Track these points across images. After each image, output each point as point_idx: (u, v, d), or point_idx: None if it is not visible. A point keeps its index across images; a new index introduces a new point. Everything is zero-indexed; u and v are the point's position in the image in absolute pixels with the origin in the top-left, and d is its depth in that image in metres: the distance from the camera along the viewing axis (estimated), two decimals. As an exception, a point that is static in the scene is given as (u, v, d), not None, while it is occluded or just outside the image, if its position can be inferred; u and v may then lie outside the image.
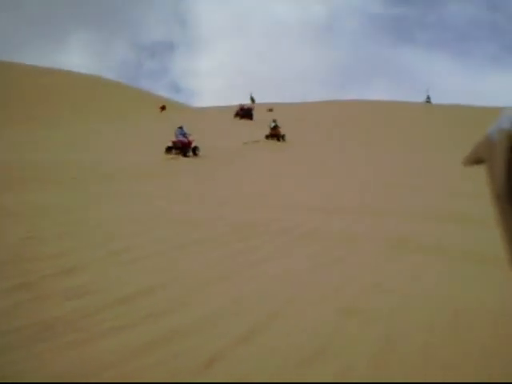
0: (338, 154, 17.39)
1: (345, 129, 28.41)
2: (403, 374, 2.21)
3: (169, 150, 15.03)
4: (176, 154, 14.98)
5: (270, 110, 35.35)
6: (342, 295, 3.26)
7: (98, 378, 2.15)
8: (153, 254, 4.23)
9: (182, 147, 15.11)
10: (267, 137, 21.92)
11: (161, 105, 38.30)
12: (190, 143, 15.38)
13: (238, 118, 32.76)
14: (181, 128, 15.69)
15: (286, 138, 21.84)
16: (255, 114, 32.62)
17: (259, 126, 25.19)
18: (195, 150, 15.42)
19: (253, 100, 40.49)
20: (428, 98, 45.80)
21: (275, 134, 21.96)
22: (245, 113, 33.17)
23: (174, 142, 15.22)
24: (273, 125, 22.38)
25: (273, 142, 21.26)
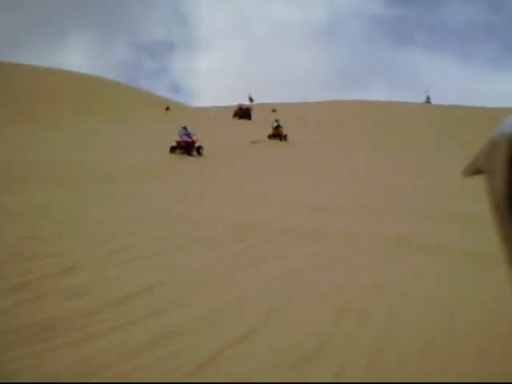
0: (339, 154, 17.38)
1: (345, 129, 28.41)
2: (402, 373, 2.20)
3: (173, 149, 15.35)
4: (180, 153, 15.25)
5: (274, 110, 35.42)
6: (342, 295, 3.26)
7: (97, 377, 2.15)
8: (152, 253, 4.22)
9: (186, 147, 15.43)
10: (270, 137, 21.99)
11: (165, 106, 38.50)
12: (193, 143, 15.69)
13: (236, 118, 32.74)
14: (185, 128, 16.05)
15: (288, 137, 21.88)
16: (256, 113, 32.62)
17: (262, 126, 25.22)
18: (199, 150, 15.74)
19: (251, 100, 40.46)
20: (428, 98, 45.92)
21: (277, 134, 22.03)
22: (243, 113, 33.17)
23: (178, 142, 15.53)
24: (275, 125, 22.48)
25: (275, 142, 21.29)
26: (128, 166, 11.89)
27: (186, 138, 15.66)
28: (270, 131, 22.31)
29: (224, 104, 41.39)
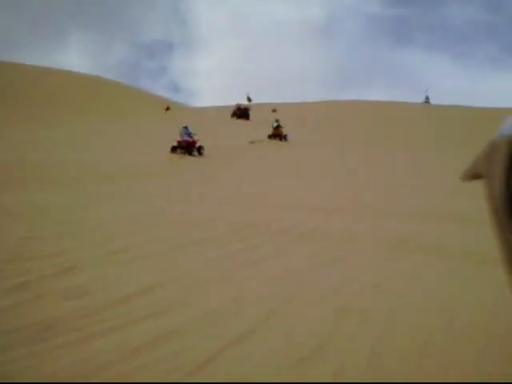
0: (338, 154, 17.39)
1: (344, 129, 28.43)
2: (402, 373, 2.21)
3: (174, 149, 15.39)
4: (181, 153, 15.29)
5: (274, 110, 35.44)
6: (341, 295, 3.26)
7: (97, 377, 2.16)
8: (152, 253, 4.23)
9: (187, 146, 15.50)
10: (270, 136, 22.02)
11: (165, 106, 38.47)
12: (194, 143, 15.75)
13: (235, 118, 32.71)
14: (186, 128, 16.12)
15: (288, 137, 21.91)
16: (255, 113, 32.60)
17: (261, 126, 25.24)
18: (200, 150, 15.79)
19: (249, 100, 40.41)
20: (427, 98, 45.99)
21: (277, 134, 22.08)
22: (242, 113, 33.13)
23: (179, 142, 15.60)
24: (275, 125, 22.55)
25: (275, 142, 21.31)
26: (128, 166, 11.89)
27: (186, 138, 15.74)
28: (269, 131, 22.35)
29: (223, 103, 41.42)
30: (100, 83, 41.46)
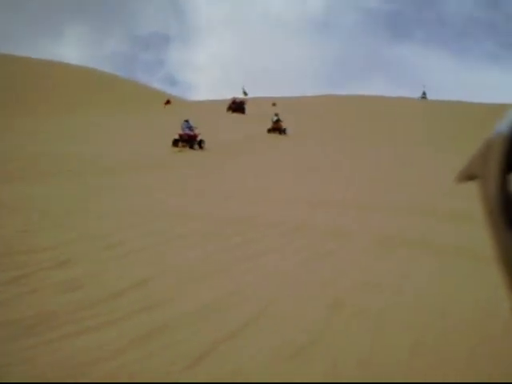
0: (339, 147, 17.35)
1: (342, 123, 28.36)
2: (393, 372, 2.21)
3: (176, 142, 15.42)
4: (182, 146, 15.34)
5: (274, 104, 35.35)
6: (333, 292, 3.26)
7: (91, 371, 2.17)
8: (149, 246, 4.24)
9: (189, 140, 15.52)
10: (269, 130, 22.06)
11: (164, 99, 38.24)
12: (195, 136, 15.76)
13: (230, 112, 32.56)
14: (187, 121, 16.13)
15: (287, 131, 21.94)
16: (252, 107, 32.46)
17: (258, 120, 25.20)
18: (201, 143, 15.80)
19: (245, 93, 40.23)
20: (424, 93, 45.83)
21: (277, 128, 22.14)
22: (237, 106, 32.93)
23: (180, 135, 15.63)
24: (275, 118, 22.62)
25: (274, 136, 21.32)
26: (129, 159, 11.84)
27: (188, 132, 15.76)
28: (265, 125, 22.42)
29: (220, 97, 41.27)
30: (98, 76, 41.27)
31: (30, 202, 6.08)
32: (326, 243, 4.66)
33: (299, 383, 2.14)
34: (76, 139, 15.12)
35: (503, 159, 0.51)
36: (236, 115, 31.13)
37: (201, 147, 15.74)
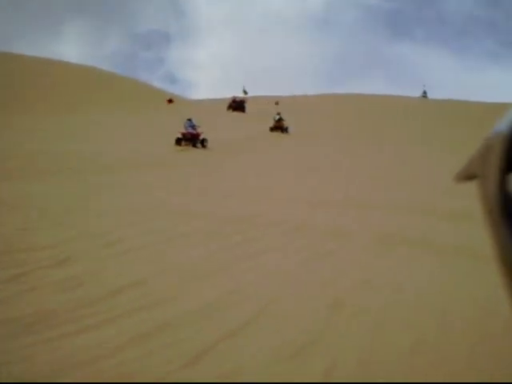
0: (339, 147, 17.34)
1: (341, 122, 28.38)
2: (394, 371, 2.21)
3: (179, 141, 15.52)
4: (185, 144, 15.43)
5: (277, 103, 35.44)
6: (333, 291, 3.26)
7: (90, 369, 2.17)
8: (149, 244, 4.23)
9: (192, 138, 15.65)
10: (271, 129, 22.18)
11: (166, 97, 38.18)
12: (198, 135, 15.88)
13: (230, 111, 32.60)
14: (190, 120, 16.30)
15: (289, 129, 22.06)
16: (252, 106, 32.49)
17: (258, 118, 25.24)
18: (203, 142, 15.93)
19: (245, 92, 40.26)
20: (424, 92, 45.86)
21: (279, 127, 22.27)
22: (237, 105, 32.98)
23: (183, 134, 15.77)
24: (277, 117, 22.80)
25: (276, 134, 21.40)
26: (130, 157, 11.82)
27: (191, 130, 15.90)
28: (266, 123, 22.53)
29: (220, 96, 41.34)
30: (97, 74, 41.21)
31: (29, 200, 6.08)
32: (326, 242, 4.66)
33: (299, 383, 2.14)
34: (75, 137, 15.10)
35: (502, 159, 0.50)
36: (236, 114, 31.15)
37: (203, 146, 15.87)
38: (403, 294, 3.25)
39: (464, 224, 5.27)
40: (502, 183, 0.50)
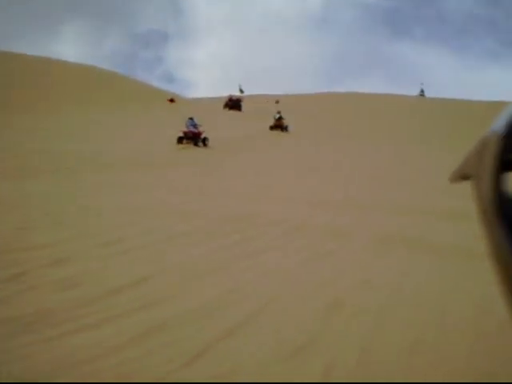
0: (339, 147, 17.34)
1: (341, 120, 28.40)
2: (393, 370, 2.21)
3: (180, 140, 15.62)
4: (187, 143, 15.49)
5: (277, 101, 35.54)
6: (333, 291, 3.26)
7: (89, 368, 2.17)
8: (148, 244, 4.23)
9: (193, 137, 15.76)
10: (271, 128, 22.21)
11: (167, 97, 38.15)
12: (200, 134, 15.96)
13: (227, 109, 32.62)
14: (191, 119, 16.41)
15: (289, 128, 22.10)
16: (251, 104, 32.51)
17: (256, 117, 25.28)
18: (205, 141, 16.04)
19: (242, 91, 40.27)
20: (422, 91, 45.91)
21: (279, 125, 22.31)
22: (233, 104, 33.02)
23: (185, 133, 15.88)
24: (277, 116, 22.85)
25: (275, 133, 21.42)
26: (134, 157, 11.81)
27: (192, 129, 16.00)
28: (264, 122, 22.60)
29: (218, 94, 41.31)
30: (97, 73, 41.17)
31: (28, 199, 6.08)
32: (326, 242, 4.66)
33: (299, 383, 2.14)
34: (75, 137, 15.10)
35: (497, 158, 0.50)
36: (233, 112, 31.17)
37: (205, 144, 16.01)
38: (403, 293, 3.25)
39: (463, 223, 5.27)
40: (497, 183, 0.50)
